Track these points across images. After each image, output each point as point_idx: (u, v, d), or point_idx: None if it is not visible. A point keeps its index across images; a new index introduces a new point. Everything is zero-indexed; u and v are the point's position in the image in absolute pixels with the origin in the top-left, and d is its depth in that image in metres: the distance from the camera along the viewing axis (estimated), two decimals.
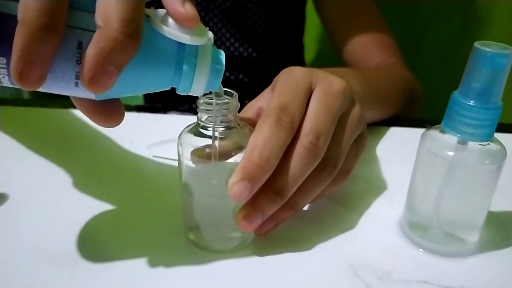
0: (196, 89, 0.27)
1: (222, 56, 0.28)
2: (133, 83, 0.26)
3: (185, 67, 0.26)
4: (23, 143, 0.46)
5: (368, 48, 0.64)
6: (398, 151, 0.47)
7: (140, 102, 0.80)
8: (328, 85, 0.33)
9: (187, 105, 0.68)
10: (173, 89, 0.28)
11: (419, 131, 0.33)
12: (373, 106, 0.47)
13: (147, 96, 0.77)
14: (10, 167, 0.42)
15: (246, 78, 0.71)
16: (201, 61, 0.26)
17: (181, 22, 0.25)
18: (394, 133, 0.51)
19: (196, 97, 0.29)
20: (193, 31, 0.26)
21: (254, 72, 0.71)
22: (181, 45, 0.26)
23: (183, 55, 0.26)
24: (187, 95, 0.28)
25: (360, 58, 0.64)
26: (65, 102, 0.55)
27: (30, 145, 0.46)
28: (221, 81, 0.28)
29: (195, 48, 0.26)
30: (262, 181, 0.29)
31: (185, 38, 0.25)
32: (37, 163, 0.43)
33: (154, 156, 0.44)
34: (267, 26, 0.69)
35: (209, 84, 0.27)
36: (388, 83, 0.54)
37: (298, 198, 0.32)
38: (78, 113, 0.52)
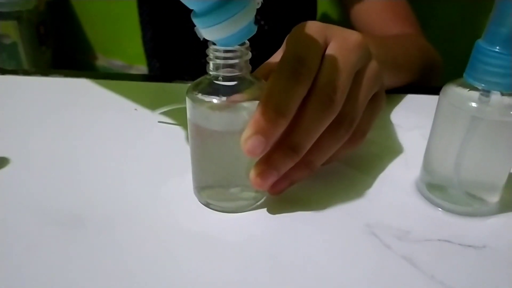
0: (218, 31, 0.25)
1: (255, 28, 0.27)
2: None
3: (234, 2, 0.24)
4: (24, 111, 0.45)
5: (385, 18, 0.61)
6: (412, 117, 0.46)
7: (145, 71, 0.79)
8: (343, 39, 0.32)
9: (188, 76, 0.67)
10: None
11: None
12: (390, 71, 0.45)
13: (151, 67, 0.76)
14: (11, 133, 0.41)
15: (255, 52, 0.69)
16: (246, 10, 0.25)
17: None
18: (408, 100, 0.50)
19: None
20: None
21: (266, 46, 0.70)
22: None
23: None
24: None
25: (376, 29, 0.61)
26: (66, 72, 0.54)
27: (32, 113, 0.45)
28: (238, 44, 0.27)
29: None
30: (276, 136, 0.28)
31: None
32: (38, 130, 0.42)
33: (159, 122, 0.43)
34: None
35: (232, 35, 0.26)
36: (405, 50, 0.52)
37: (313, 157, 0.31)
38: (80, 82, 0.51)
